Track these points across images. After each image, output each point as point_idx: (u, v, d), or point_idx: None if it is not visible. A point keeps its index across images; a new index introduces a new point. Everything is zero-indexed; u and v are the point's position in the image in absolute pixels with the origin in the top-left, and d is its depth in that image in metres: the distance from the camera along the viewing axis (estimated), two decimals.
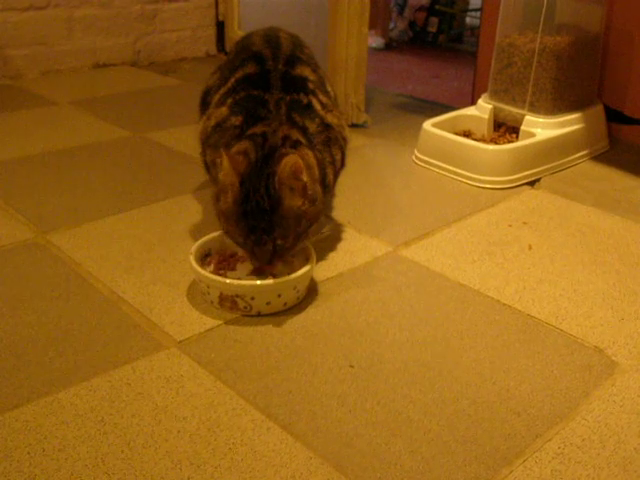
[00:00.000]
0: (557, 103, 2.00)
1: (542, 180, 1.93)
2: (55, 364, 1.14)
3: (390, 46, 4.02)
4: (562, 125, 2.01)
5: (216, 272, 1.33)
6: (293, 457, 0.96)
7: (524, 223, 1.68)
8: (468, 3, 4.21)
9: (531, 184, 1.92)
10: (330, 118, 1.46)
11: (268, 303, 1.27)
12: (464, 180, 1.92)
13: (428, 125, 2.05)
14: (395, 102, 2.75)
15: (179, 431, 1.01)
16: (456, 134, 2.04)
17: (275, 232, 1.23)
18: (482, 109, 2.13)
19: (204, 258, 1.38)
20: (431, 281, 1.43)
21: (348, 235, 1.60)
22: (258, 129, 1.33)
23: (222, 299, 1.28)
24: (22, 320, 1.25)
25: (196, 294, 1.34)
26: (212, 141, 1.43)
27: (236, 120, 1.39)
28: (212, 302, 1.30)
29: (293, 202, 1.24)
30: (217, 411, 1.05)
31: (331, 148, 1.44)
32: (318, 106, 1.44)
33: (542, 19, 1.96)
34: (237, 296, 1.26)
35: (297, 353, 1.18)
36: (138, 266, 1.44)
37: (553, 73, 1.97)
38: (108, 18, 3.02)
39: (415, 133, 2.10)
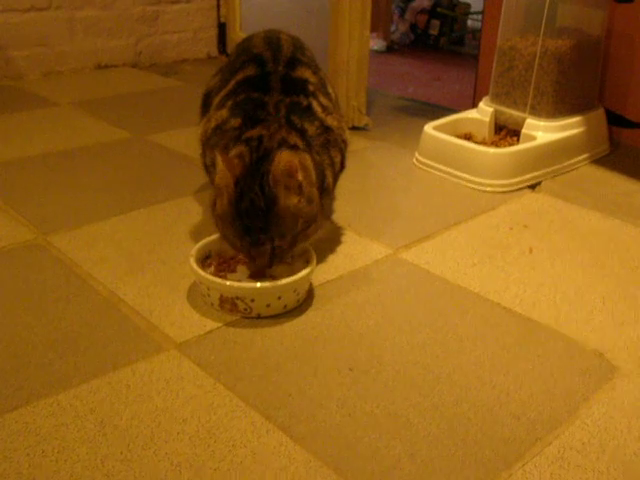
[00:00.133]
0: (558, 106, 2.01)
1: (543, 183, 1.93)
2: (55, 366, 1.14)
3: (391, 49, 4.02)
4: (563, 128, 2.01)
5: (216, 274, 1.33)
6: (292, 460, 0.96)
7: (525, 226, 1.68)
8: (470, 6, 4.21)
9: (532, 187, 1.92)
10: (330, 120, 1.46)
11: (268, 305, 1.27)
12: (465, 183, 1.92)
13: (429, 128, 2.05)
14: (396, 105, 2.76)
15: (179, 433, 1.01)
16: (457, 137, 2.04)
17: (272, 231, 1.22)
18: (483, 112, 2.13)
19: (204, 260, 1.38)
20: (431, 284, 1.43)
21: (348, 238, 1.60)
22: (255, 132, 1.33)
23: (222, 301, 1.28)
24: (22, 321, 1.25)
25: (196, 296, 1.34)
26: (212, 143, 1.43)
27: (235, 122, 1.39)
28: (212, 304, 1.30)
29: (289, 200, 1.24)
30: (217, 413, 1.05)
31: (330, 150, 1.44)
32: (318, 109, 1.44)
33: (543, 22, 1.96)
34: (237, 298, 1.26)
35: (297, 355, 1.18)
36: (138, 268, 1.44)
37: (554, 76, 1.98)
38: (110, 19, 3.03)
39: (416, 136, 2.10)
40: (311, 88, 1.47)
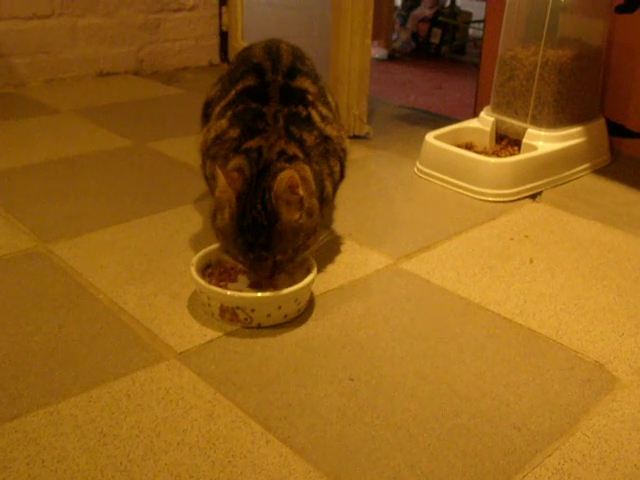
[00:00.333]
0: (559, 116, 2.01)
1: (544, 193, 1.93)
2: (55, 374, 1.14)
3: (393, 57, 4.03)
4: (564, 138, 2.01)
5: (217, 283, 1.33)
6: (292, 470, 0.96)
7: (525, 236, 1.68)
8: (471, 15, 4.22)
9: (533, 197, 1.92)
10: (329, 130, 1.46)
11: (269, 315, 1.27)
12: (466, 193, 1.92)
13: (430, 137, 2.05)
14: (397, 113, 2.76)
15: (178, 443, 1.00)
16: (458, 146, 2.05)
17: (274, 247, 1.23)
18: (484, 122, 2.13)
19: (205, 269, 1.38)
20: (431, 294, 1.43)
21: (349, 247, 1.60)
22: (254, 143, 1.33)
23: (223, 311, 1.28)
24: (22, 330, 1.25)
25: (197, 305, 1.34)
26: (212, 153, 1.43)
27: (234, 133, 1.39)
28: (213, 314, 1.30)
29: (290, 216, 1.24)
30: (217, 423, 1.04)
31: (329, 160, 1.44)
32: (317, 118, 1.45)
33: (545, 32, 1.96)
34: (238, 308, 1.26)
35: (297, 365, 1.18)
36: (139, 277, 1.44)
37: (555, 86, 1.98)
38: (112, 27, 3.03)
39: (417, 145, 2.10)
40: (310, 98, 1.48)
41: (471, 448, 1.01)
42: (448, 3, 4.17)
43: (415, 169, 2.08)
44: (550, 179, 1.98)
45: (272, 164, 1.27)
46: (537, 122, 2.01)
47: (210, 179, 1.47)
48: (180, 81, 3.12)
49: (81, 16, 2.93)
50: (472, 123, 2.17)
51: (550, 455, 1.01)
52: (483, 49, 2.49)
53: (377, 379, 1.15)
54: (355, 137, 2.34)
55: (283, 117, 1.39)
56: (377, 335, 1.28)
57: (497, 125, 2.11)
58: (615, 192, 1.97)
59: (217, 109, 1.50)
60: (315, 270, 1.33)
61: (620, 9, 2.13)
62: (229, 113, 1.44)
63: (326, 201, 1.44)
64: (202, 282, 1.29)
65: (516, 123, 2.05)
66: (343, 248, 1.59)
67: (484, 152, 2.08)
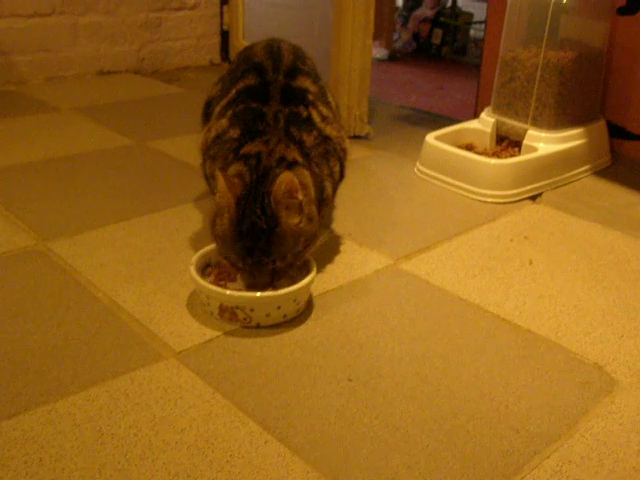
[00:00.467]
0: (560, 118, 2.01)
1: (544, 195, 1.93)
2: (53, 373, 1.14)
3: (394, 57, 4.02)
4: (564, 140, 2.01)
5: (216, 283, 1.33)
6: (290, 471, 0.96)
7: (525, 238, 1.68)
8: (472, 15, 4.22)
9: (533, 199, 1.92)
10: (329, 130, 1.46)
11: (268, 315, 1.27)
12: (466, 194, 1.92)
13: (431, 138, 2.05)
14: (398, 114, 2.76)
15: (177, 443, 1.00)
16: (459, 147, 2.04)
17: (274, 252, 1.23)
18: (485, 123, 2.13)
19: (204, 269, 1.38)
20: (431, 295, 1.42)
21: (348, 247, 1.60)
22: (254, 148, 1.32)
23: (222, 310, 1.27)
24: (21, 328, 1.25)
25: (196, 305, 1.34)
26: (212, 153, 1.43)
27: (234, 133, 1.39)
28: (212, 313, 1.30)
29: (290, 220, 1.24)
30: (215, 423, 1.04)
31: (329, 160, 1.44)
32: (317, 118, 1.44)
33: (546, 34, 1.96)
34: (237, 307, 1.26)
35: (296, 365, 1.18)
36: (138, 275, 1.44)
37: (556, 88, 1.98)
38: (113, 25, 3.03)
39: (418, 145, 2.10)
40: (311, 97, 1.47)
41: (469, 449, 1.01)
42: (449, 4, 4.16)
43: (415, 170, 2.08)
44: (550, 180, 1.98)
45: (271, 169, 1.27)
46: (538, 123, 2.01)
47: (210, 178, 1.47)
48: (181, 80, 3.12)
49: (82, 14, 2.93)
50: (473, 124, 2.17)
51: (549, 457, 1.01)
52: (484, 50, 2.49)
53: (376, 379, 1.15)
54: (355, 137, 2.34)
55: (283, 118, 1.39)
56: (376, 335, 1.28)
57: (498, 126, 2.11)
58: (615, 194, 1.96)
59: (218, 108, 1.50)
60: (314, 270, 1.33)
61: (621, 11, 2.13)
62: (229, 113, 1.44)
63: (326, 201, 1.44)
64: (201, 281, 1.28)
65: (517, 124, 2.05)
66: (343, 248, 1.59)
67: (484, 153, 2.08)
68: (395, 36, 4.18)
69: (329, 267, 1.51)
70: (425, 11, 4.14)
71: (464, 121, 2.22)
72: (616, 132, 2.23)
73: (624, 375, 1.19)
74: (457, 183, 1.95)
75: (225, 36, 3.38)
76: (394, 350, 1.24)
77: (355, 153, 2.06)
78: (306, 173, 1.33)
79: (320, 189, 1.39)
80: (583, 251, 1.63)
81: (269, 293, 1.26)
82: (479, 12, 3.96)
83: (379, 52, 3.92)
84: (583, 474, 0.98)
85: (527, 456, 1.00)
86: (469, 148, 2.11)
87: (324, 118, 1.47)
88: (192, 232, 1.64)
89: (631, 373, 1.20)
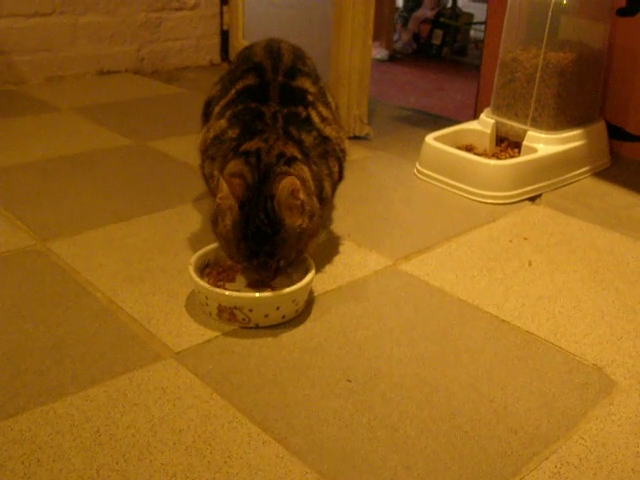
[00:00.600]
0: (559, 119, 2.01)
1: (543, 196, 1.93)
2: (52, 373, 1.14)
3: (394, 58, 4.02)
4: (564, 141, 2.01)
5: (215, 283, 1.33)
6: (288, 472, 0.96)
7: (525, 239, 1.68)
8: (472, 16, 4.22)
9: (532, 200, 1.92)
10: (328, 131, 1.46)
11: (266, 315, 1.27)
12: (465, 195, 1.92)
13: (430, 139, 2.05)
14: (398, 114, 2.76)
15: (175, 443, 1.00)
16: (458, 148, 2.04)
17: (278, 254, 1.24)
18: (484, 124, 2.13)
19: (203, 269, 1.38)
20: (430, 296, 1.42)
21: (347, 248, 1.60)
22: (253, 145, 1.32)
23: (220, 310, 1.27)
24: (19, 328, 1.25)
25: (195, 305, 1.34)
26: (210, 153, 1.43)
27: (233, 133, 1.39)
28: (210, 313, 1.30)
29: (293, 222, 1.24)
30: (213, 423, 1.04)
31: (328, 160, 1.44)
32: (317, 119, 1.44)
33: (546, 35, 1.96)
34: (235, 308, 1.26)
35: (294, 366, 1.18)
36: (137, 275, 1.44)
37: (556, 89, 1.98)
38: (112, 25, 3.03)
39: (417, 146, 2.10)
40: (310, 98, 1.47)
41: (468, 450, 1.01)
42: (450, 4, 4.17)
43: (415, 170, 2.08)
44: (550, 182, 1.97)
45: (272, 169, 1.27)
46: (537, 124, 2.01)
47: (209, 178, 1.47)
48: (180, 80, 3.12)
49: (82, 14, 2.93)
50: (472, 125, 2.17)
51: (547, 458, 1.00)
52: (484, 51, 2.49)
53: (374, 380, 1.15)
54: (355, 138, 2.34)
55: (282, 117, 1.39)
56: (375, 336, 1.28)
57: (497, 127, 2.11)
58: (615, 195, 1.96)
59: (217, 109, 1.50)
60: (313, 271, 1.33)
61: (621, 12, 2.13)
62: (228, 113, 1.44)
63: (325, 201, 1.44)
64: (200, 282, 1.28)
65: (516, 125, 2.05)
66: (342, 249, 1.59)
67: (484, 154, 2.08)
68: (395, 37, 4.19)
69: (328, 268, 1.50)
70: (425, 12, 4.15)
71: (464, 122, 2.22)
72: (616, 133, 2.23)
73: (623, 376, 1.19)
74: (456, 184, 1.94)
75: (225, 36, 3.38)
76: (393, 351, 1.23)
77: (354, 154, 2.06)
78: (305, 168, 1.33)
79: (319, 189, 1.39)
80: (582, 252, 1.63)
81: (268, 294, 1.26)
82: (479, 13, 3.96)
83: (379, 52, 3.92)
84: (582, 476, 0.97)
85: (525, 457, 1.00)
86: (469, 149, 2.11)
87: (323, 119, 1.47)
88: (191, 232, 1.63)
89: (630, 374, 1.20)
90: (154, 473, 0.95)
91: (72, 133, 2.31)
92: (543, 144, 1.99)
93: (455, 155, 1.98)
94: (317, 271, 1.38)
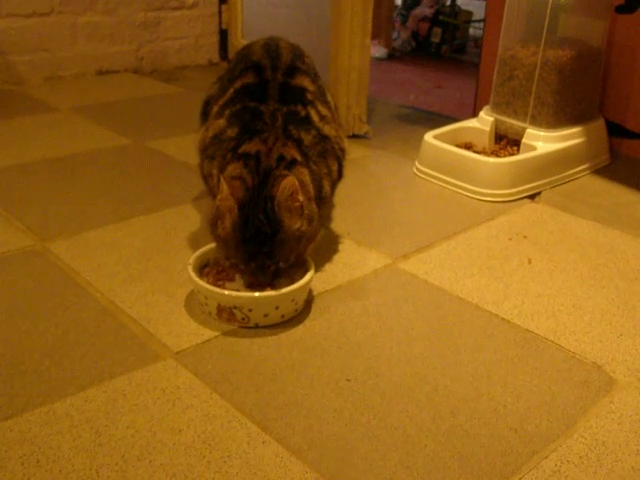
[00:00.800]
0: (558, 117, 2.01)
1: (542, 194, 1.93)
2: (51, 373, 1.13)
3: (393, 56, 4.02)
4: (563, 139, 2.01)
5: (214, 283, 1.32)
6: (288, 471, 0.96)
7: (524, 237, 1.68)
8: (472, 14, 4.22)
9: (531, 197, 1.92)
10: (327, 130, 1.46)
11: (266, 315, 1.27)
12: (465, 193, 1.92)
13: (429, 137, 2.05)
14: (397, 113, 2.76)
15: (174, 443, 1.00)
16: (457, 146, 2.04)
17: (277, 256, 1.24)
18: (483, 121, 2.13)
19: (202, 269, 1.38)
20: (429, 295, 1.42)
21: (347, 247, 1.60)
22: (252, 147, 1.32)
23: (220, 310, 1.27)
24: (19, 328, 1.25)
25: (194, 305, 1.34)
26: (209, 152, 1.43)
27: (232, 132, 1.39)
28: (210, 313, 1.30)
29: (292, 224, 1.24)
30: (213, 423, 1.04)
31: (327, 159, 1.44)
32: (316, 117, 1.44)
33: (544, 32, 1.96)
34: (235, 307, 1.25)
35: (294, 366, 1.18)
36: (136, 276, 1.44)
37: (555, 87, 1.98)
38: (111, 25, 3.03)
39: (416, 144, 2.10)
40: (309, 96, 1.47)
41: (468, 449, 1.01)
42: (448, 2, 4.16)
43: (414, 169, 2.08)
44: (549, 179, 1.97)
45: (272, 172, 1.27)
46: (536, 122, 2.01)
47: (208, 178, 1.47)
48: (180, 79, 3.12)
49: (81, 14, 2.93)
50: (471, 123, 2.17)
51: (547, 457, 1.00)
52: (483, 49, 2.49)
53: (374, 379, 1.15)
54: (354, 136, 2.34)
55: (282, 116, 1.39)
56: (374, 335, 1.27)
57: (496, 125, 2.10)
58: (614, 193, 1.96)
59: (216, 108, 1.49)
60: (313, 270, 1.33)
61: (620, 9, 2.13)
62: (227, 112, 1.43)
63: (324, 200, 1.43)
64: (199, 281, 1.28)
65: (515, 123, 2.05)
66: (341, 247, 1.59)
67: (483, 152, 2.08)
68: (394, 35, 4.18)
69: (327, 267, 1.50)
70: (424, 10, 4.14)
71: (463, 120, 2.22)
72: (615, 131, 2.22)
73: (623, 374, 1.19)
74: (456, 182, 1.94)
75: (224, 35, 3.38)
76: (392, 350, 1.23)
77: (354, 152, 2.06)
78: (305, 171, 1.33)
79: (318, 188, 1.38)
80: (582, 250, 1.63)
81: (267, 293, 1.26)
82: (478, 11, 3.97)
83: (378, 51, 3.92)
84: (582, 474, 0.97)
85: (525, 456, 1.00)
86: (468, 147, 2.11)
87: (322, 117, 1.47)
88: (190, 232, 1.63)
89: (630, 372, 1.20)
90: (154, 473, 0.95)
91: (71, 133, 2.31)
92: (542, 142, 1.99)
93: (454, 153, 1.98)
94: (316, 270, 1.38)
